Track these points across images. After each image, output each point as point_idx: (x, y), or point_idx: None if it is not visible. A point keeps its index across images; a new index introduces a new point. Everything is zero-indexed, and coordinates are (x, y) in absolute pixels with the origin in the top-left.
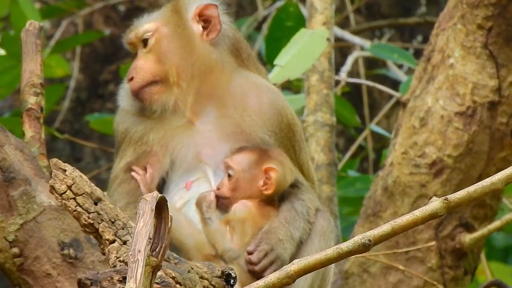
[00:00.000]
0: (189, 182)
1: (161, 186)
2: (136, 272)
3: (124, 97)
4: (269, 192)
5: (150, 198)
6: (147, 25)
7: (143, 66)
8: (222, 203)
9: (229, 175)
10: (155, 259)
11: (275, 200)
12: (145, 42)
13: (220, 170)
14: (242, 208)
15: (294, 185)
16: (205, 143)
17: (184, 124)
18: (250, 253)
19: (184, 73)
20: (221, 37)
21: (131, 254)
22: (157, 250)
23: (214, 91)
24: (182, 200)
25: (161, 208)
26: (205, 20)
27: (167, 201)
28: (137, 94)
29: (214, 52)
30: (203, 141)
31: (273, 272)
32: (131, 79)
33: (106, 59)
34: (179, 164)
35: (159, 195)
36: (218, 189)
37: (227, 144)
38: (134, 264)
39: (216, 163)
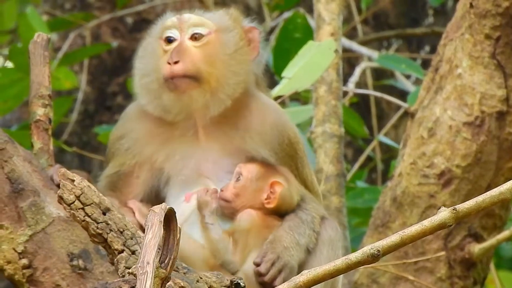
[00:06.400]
0: (188, 195)
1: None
2: (145, 284)
3: (142, 95)
4: (270, 206)
5: (159, 210)
6: (206, 21)
7: (193, 57)
8: (223, 207)
9: (238, 180)
10: (164, 270)
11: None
12: (196, 36)
13: (221, 184)
14: (247, 218)
15: None
16: (206, 158)
17: (186, 136)
18: (257, 265)
19: (227, 82)
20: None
21: (140, 266)
22: (166, 261)
23: (233, 108)
24: (182, 216)
25: (169, 219)
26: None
27: (175, 213)
28: (173, 79)
29: (251, 70)
30: (203, 156)
31: (283, 280)
32: (176, 62)
33: (113, 71)
34: (178, 177)
35: (168, 206)
36: (222, 190)
37: (229, 160)
38: (143, 276)
39: (217, 177)
